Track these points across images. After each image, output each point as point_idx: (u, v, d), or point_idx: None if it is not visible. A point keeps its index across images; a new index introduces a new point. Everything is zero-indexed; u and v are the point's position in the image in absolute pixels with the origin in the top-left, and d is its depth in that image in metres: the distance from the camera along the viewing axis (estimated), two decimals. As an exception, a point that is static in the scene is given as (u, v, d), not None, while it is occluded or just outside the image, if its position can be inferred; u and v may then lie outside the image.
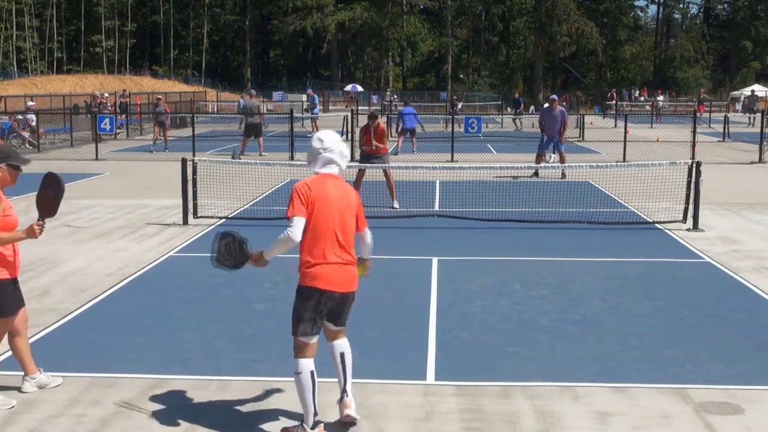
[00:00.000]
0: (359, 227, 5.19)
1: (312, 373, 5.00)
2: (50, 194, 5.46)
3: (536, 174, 18.26)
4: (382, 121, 17.96)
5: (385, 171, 14.47)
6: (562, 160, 18.84)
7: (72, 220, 12.97)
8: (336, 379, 5.36)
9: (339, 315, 5.15)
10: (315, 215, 4.94)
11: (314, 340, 5.06)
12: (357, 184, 14.51)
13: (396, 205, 14.29)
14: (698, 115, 30.87)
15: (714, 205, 14.53)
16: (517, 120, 38.51)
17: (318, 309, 4.99)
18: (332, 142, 5.09)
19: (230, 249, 5.36)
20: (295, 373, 5.03)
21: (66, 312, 7.88)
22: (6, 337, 5.77)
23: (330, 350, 5.27)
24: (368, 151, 14.52)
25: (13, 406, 5.57)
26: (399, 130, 27.02)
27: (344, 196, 5.06)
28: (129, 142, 30.65)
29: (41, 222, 5.46)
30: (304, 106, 39.29)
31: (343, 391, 5.21)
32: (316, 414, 5.03)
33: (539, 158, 19.21)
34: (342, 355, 5.20)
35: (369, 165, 14.40)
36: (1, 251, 5.55)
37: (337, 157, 5.08)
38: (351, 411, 5.17)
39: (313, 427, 5.01)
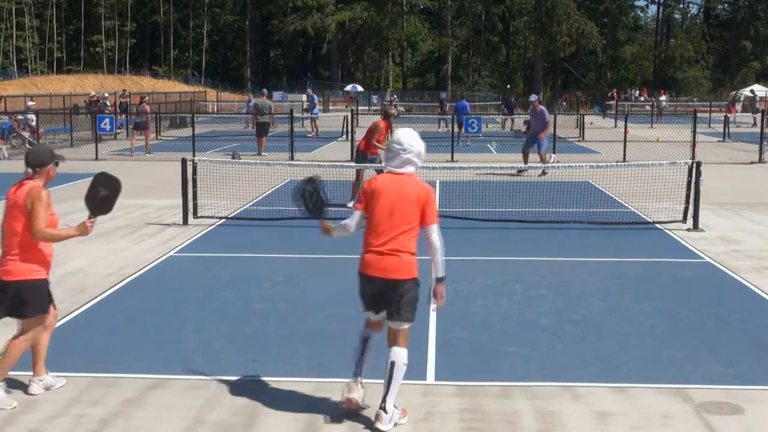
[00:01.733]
0: (424, 221, 5.23)
1: (364, 339, 5.36)
2: (103, 193, 5.71)
3: (520, 172, 18.35)
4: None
5: (378, 172, 14.36)
6: (542, 160, 19.37)
7: (72, 220, 12.93)
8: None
9: (389, 304, 5.20)
10: (369, 209, 5.23)
11: (372, 317, 5.32)
12: (356, 187, 14.48)
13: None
14: (730, 116, 31.64)
15: (714, 205, 14.53)
16: (508, 120, 38.07)
17: (363, 291, 5.28)
18: (412, 143, 5.26)
19: (311, 195, 5.55)
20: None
21: (66, 312, 7.89)
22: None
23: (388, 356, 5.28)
24: (371, 152, 14.38)
25: (14, 407, 5.57)
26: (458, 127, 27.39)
27: (402, 191, 5.20)
28: (129, 143, 30.62)
29: (93, 219, 5.67)
30: (304, 106, 39.26)
31: (383, 401, 5.22)
32: (357, 374, 5.34)
33: (526, 157, 19.76)
34: (392, 364, 5.21)
35: (365, 165, 14.36)
36: (42, 251, 5.61)
37: (414, 157, 5.28)
38: (380, 424, 5.18)
39: (352, 379, 5.36)
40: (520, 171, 18.26)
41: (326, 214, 5.55)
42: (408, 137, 5.28)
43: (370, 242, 5.20)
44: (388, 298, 5.17)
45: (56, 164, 5.71)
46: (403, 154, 5.25)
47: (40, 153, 5.70)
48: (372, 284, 5.19)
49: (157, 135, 32.20)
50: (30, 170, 5.58)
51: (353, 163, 15.36)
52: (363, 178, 14.51)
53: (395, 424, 5.22)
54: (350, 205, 14.35)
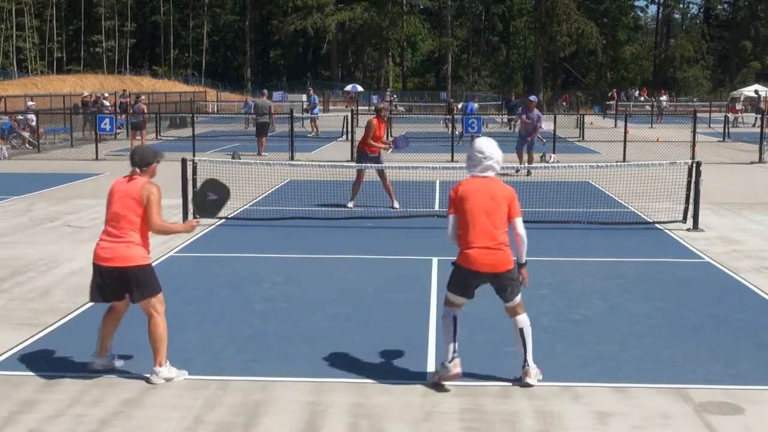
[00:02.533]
0: (510, 216, 5.91)
1: (454, 318, 6.00)
2: (211, 197, 6.41)
3: (529, 172, 18.34)
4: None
5: (380, 172, 14.35)
6: (530, 160, 19.64)
7: (72, 220, 12.95)
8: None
9: (500, 291, 5.97)
10: (463, 211, 5.90)
11: (459, 300, 6.05)
12: (356, 186, 14.46)
13: (396, 205, 14.26)
14: (731, 117, 31.67)
15: (714, 205, 14.53)
16: (513, 122, 38.06)
17: (465, 282, 5.96)
18: (492, 152, 5.98)
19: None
20: (442, 317, 6.10)
21: (66, 312, 7.88)
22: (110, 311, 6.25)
23: (512, 327, 6.08)
24: (370, 150, 14.31)
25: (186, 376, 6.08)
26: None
27: (494, 193, 5.91)
28: (129, 142, 30.63)
29: (198, 219, 6.35)
30: (304, 106, 39.25)
31: (524, 361, 6.01)
32: (454, 351, 5.91)
33: (521, 156, 19.87)
34: (521, 330, 6.03)
35: (365, 165, 14.34)
36: (148, 239, 6.07)
37: (495, 164, 6.00)
38: (530, 379, 5.98)
39: (450, 361, 5.88)
40: (518, 171, 18.28)
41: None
42: (488, 146, 5.99)
43: (472, 240, 5.84)
44: (497, 285, 5.94)
45: (158, 162, 6.19)
46: (485, 162, 5.96)
47: (144, 154, 6.15)
48: (479, 278, 5.91)
49: (157, 135, 32.21)
50: (137, 169, 6.04)
51: (353, 163, 15.33)
52: (364, 178, 14.49)
53: (538, 380, 5.99)
54: (350, 205, 14.38)
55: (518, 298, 6.00)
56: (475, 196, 5.87)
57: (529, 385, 5.95)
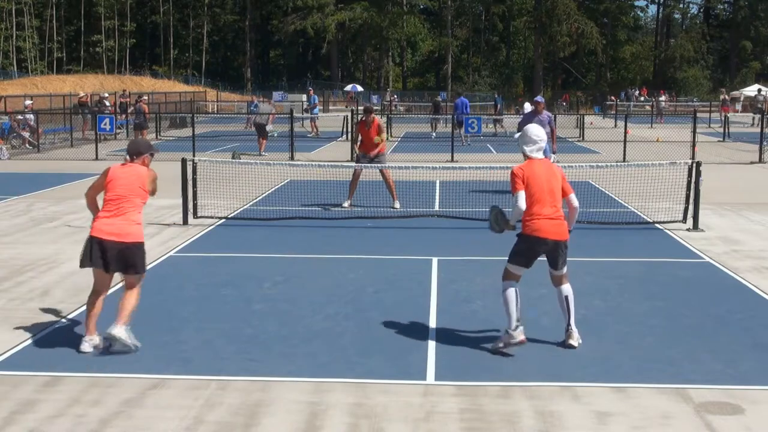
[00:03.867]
0: (565, 193, 6.81)
1: (515, 291, 6.71)
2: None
3: None
4: (382, 121, 17.93)
5: (382, 171, 14.33)
6: None
7: (72, 220, 12.94)
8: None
9: (555, 259, 6.77)
10: (530, 187, 6.64)
11: (519, 272, 6.76)
12: (353, 185, 14.44)
13: (397, 205, 14.26)
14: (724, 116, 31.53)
15: (714, 205, 14.53)
16: (498, 124, 35.61)
17: (531, 251, 6.70)
18: (543, 136, 6.85)
19: (498, 219, 6.94)
20: (503, 291, 6.75)
21: (66, 312, 7.88)
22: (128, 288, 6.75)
23: (557, 295, 6.96)
24: (367, 150, 14.31)
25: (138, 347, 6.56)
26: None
27: (551, 172, 6.80)
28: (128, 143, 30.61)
29: None
30: (304, 106, 39.26)
31: (568, 325, 6.89)
32: (518, 320, 6.63)
33: None
34: (566, 297, 6.90)
35: (366, 165, 14.32)
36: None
37: (544, 144, 6.90)
38: (572, 341, 6.85)
39: (515, 329, 6.62)
40: None
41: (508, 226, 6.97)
42: (541, 131, 6.87)
43: (540, 212, 6.62)
44: (555, 253, 6.73)
45: (151, 155, 6.89)
46: (540, 143, 6.81)
47: (138, 144, 7.03)
48: (546, 245, 6.66)
49: (157, 135, 32.20)
50: (130, 158, 6.79)
51: (353, 163, 15.33)
52: (359, 178, 14.47)
53: (579, 342, 6.82)
54: (346, 204, 14.37)
55: (566, 268, 6.86)
56: (539, 176, 6.71)
57: (572, 347, 6.78)
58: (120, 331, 6.49)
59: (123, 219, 6.53)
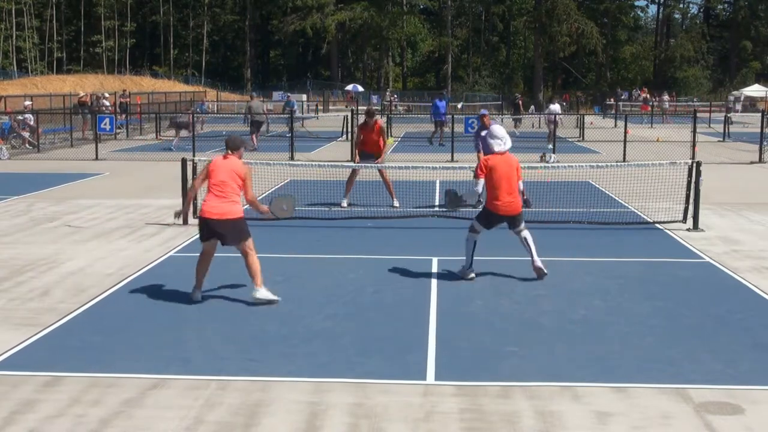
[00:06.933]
0: (518, 177, 9.16)
1: (475, 242, 9.09)
2: (285, 210, 9.16)
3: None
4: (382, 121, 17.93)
5: (380, 171, 14.37)
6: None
7: (72, 220, 12.95)
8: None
9: (512, 224, 9.05)
10: (491, 174, 8.89)
11: (482, 230, 9.11)
12: (349, 184, 14.45)
13: (396, 204, 14.27)
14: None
15: (714, 205, 14.53)
16: (518, 122, 36.83)
17: (491, 221, 9.09)
18: (505, 135, 9.12)
19: (452, 200, 9.11)
20: (466, 240, 9.16)
21: (66, 312, 7.89)
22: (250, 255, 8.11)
23: (518, 239, 9.11)
24: (369, 150, 14.33)
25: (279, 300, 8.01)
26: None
27: (509, 163, 8.99)
28: (129, 142, 30.66)
29: (268, 210, 8.70)
30: (285, 110, 39.36)
31: (532, 260, 9.04)
32: (470, 265, 9.09)
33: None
34: (525, 239, 9.05)
35: (365, 165, 14.33)
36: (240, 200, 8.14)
37: (508, 142, 9.09)
38: (540, 265, 9.03)
39: (468, 268, 9.12)
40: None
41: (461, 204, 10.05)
42: (503, 131, 9.15)
43: (499, 196, 8.87)
44: (511, 221, 9.05)
45: (246, 149, 8.46)
46: (501, 140, 8.99)
47: (235, 140, 8.37)
48: (501, 219, 9.01)
49: (156, 135, 32.23)
50: (230, 151, 8.19)
51: (353, 164, 15.33)
52: (356, 177, 14.51)
53: (545, 271, 9.04)
54: (344, 204, 14.38)
55: (523, 224, 9.05)
56: (500, 166, 8.87)
57: (544, 272, 8.98)
58: (261, 292, 8.00)
59: (226, 201, 7.95)
